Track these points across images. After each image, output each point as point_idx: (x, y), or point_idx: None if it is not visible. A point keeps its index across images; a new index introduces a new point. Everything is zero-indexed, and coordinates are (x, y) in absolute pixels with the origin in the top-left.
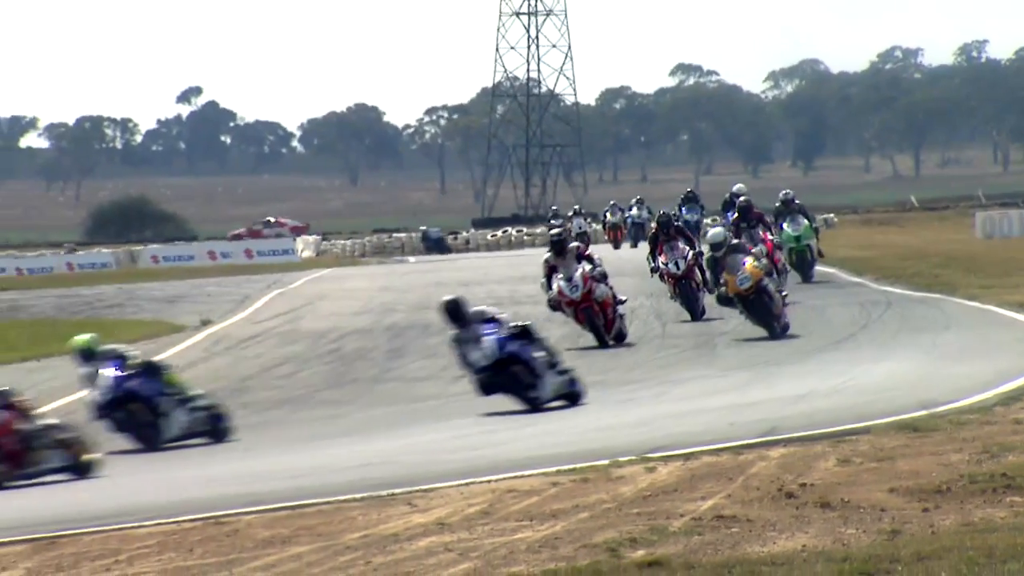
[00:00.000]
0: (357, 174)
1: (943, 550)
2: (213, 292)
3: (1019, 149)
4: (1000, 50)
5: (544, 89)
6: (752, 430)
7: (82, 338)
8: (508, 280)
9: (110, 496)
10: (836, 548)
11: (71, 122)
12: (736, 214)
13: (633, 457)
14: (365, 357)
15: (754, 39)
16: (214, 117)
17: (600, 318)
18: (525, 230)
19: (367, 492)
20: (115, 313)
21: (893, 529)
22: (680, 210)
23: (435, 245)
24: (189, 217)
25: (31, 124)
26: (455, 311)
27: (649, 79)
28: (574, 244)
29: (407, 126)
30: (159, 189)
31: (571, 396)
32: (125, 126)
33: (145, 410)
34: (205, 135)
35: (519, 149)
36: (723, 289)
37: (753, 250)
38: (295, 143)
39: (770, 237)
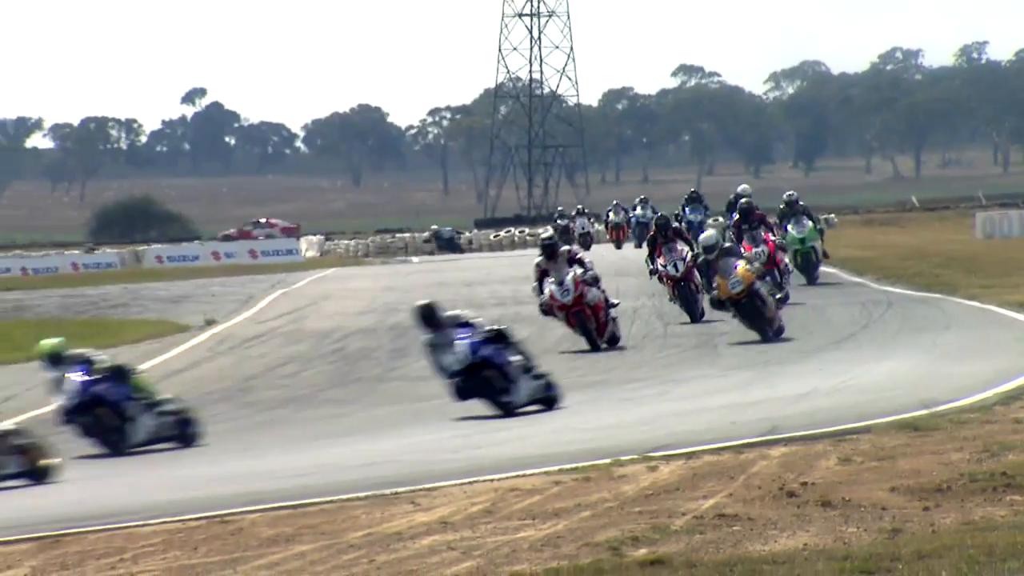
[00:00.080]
0: (360, 174)
1: (944, 548)
2: (217, 292)
3: (1019, 150)
4: (1000, 51)
5: (547, 90)
6: (754, 429)
7: (49, 343)
8: (511, 280)
9: (115, 495)
10: (837, 547)
11: (76, 123)
12: (738, 215)
13: (635, 456)
14: (368, 357)
15: (755, 40)
16: (218, 118)
17: (592, 322)
18: (528, 230)
19: (370, 491)
20: (120, 313)
21: (894, 528)
22: (684, 210)
23: (447, 244)
24: (193, 217)
25: (36, 125)
26: (429, 315)
27: (651, 80)
28: (565, 248)
29: (410, 127)
30: (163, 190)
31: (547, 400)
32: (130, 127)
33: (111, 415)
34: (209, 136)
35: (522, 150)
36: (715, 292)
37: (747, 253)
38: (299, 144)
39: (772, 238)
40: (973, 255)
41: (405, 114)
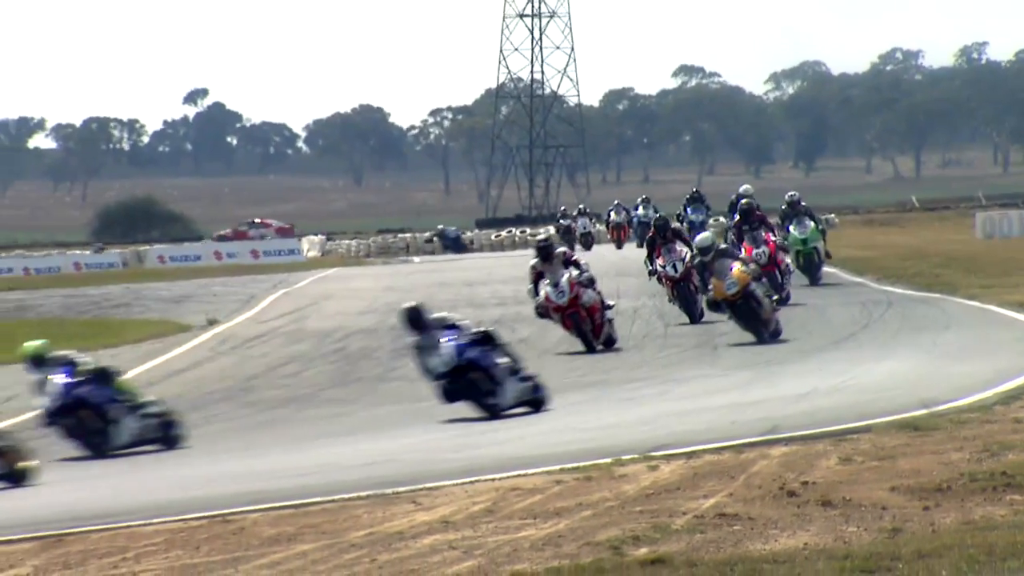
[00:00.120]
0: (362, 175)
1: (944, 548)
2: (219, 292)
3: (1019, 150)
4: (1000, 52)
5: (547, 90)
6: (754, 429)
7: (32, 345)
8: (512, 280)
9: (117, 494)
10: (837, 546)
11: (78, 123)
12: (738, 216)
13: (636, 455)
14: (370, 356)
15: (756, 41)
16: (220, 118)
17: (587, 323)
18: (529, 230)
19: (372, 490)
20: (122, 313)
21: (894, 527)
22: (686, 210)
23: (452, 244)
24: (196, 218)
25: (39, 125)
26: (415, 318)
27: (652, 80)
28: (561, 250)
29: (412, 127)
30: (166, 190)
31: (534, 403)
32: (132, 127)
33: (94, 417)
34: (211, 136)
35: (523, 150)
36: (711, 293)
37: (743, 255)
38: (300, 144)
39: (773, 238)
40: (973, 255)
41: (406, 114)
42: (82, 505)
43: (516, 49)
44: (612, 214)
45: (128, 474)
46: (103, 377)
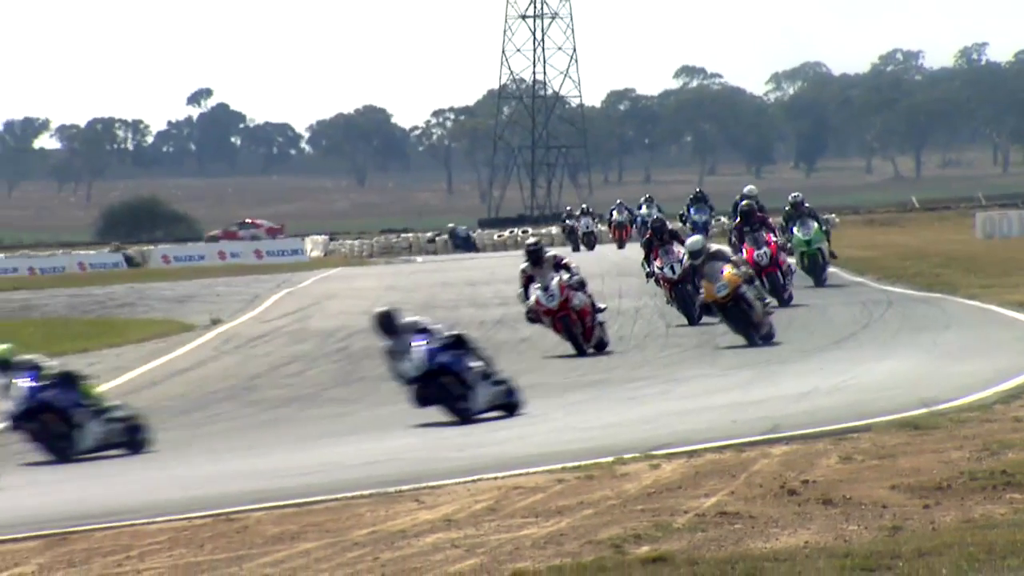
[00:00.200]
0: (365, 175)
1: (944, 546)
2: (223, 292)
3: (1019, 151)
4: (1000, 53)
5: (549, 91)
6: (755, 428)
7: None
8: (515, 280)
9: (121, 493)
10: (838, 544)
11: (83, 124)
12: (739, 218)
13: (637, 454)
14: (372, 356)
15: (757, 42)
16: (224, 119)
17: (578, 326)
18: (531, 230)
19: (375, 489)
20: (126, 312)
21: (894, 525)
22: (689, 211)
23: (463, 243)
24: (199, 218)
25: (43, 126)
26: (386, 323)
27: (653, 81)
28: (551, 253)
29: (414, 128)
30: (170, 190)
31: (508, 407)
32: (136, 128)
33: (59, 421)
34: (215, 136)
35: (525, 150)
36: (702, 296)
37: (733, 258)
38: (304, 144)
39: (774, 239)
40: (973, 255)
41: (409, 115)
42: (86, 504)
43: (518, 50)
44: (614, 213)
45: (131, 473)
46: (68, 381)
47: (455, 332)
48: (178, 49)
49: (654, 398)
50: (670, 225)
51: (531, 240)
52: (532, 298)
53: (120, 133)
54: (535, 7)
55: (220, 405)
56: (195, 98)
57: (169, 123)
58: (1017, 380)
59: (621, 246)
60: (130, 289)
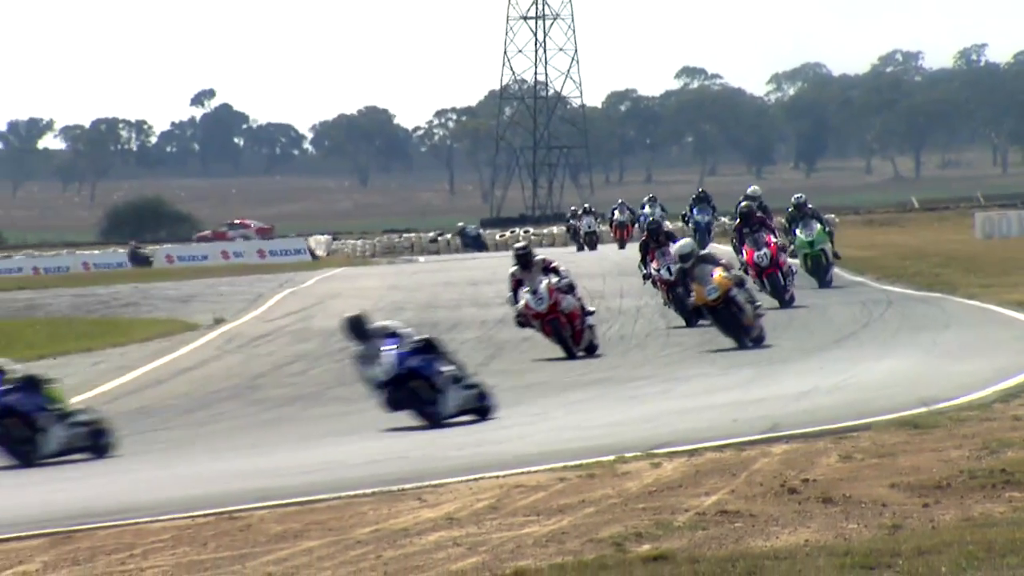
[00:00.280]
0: (367, 175)
1: (943, 545)
2: (226, 291)
3: (1018, 151)
4: (999, 54)
5: (551, 92)
6: (755, 427)
7: None
8: None
9: (125, 491)
10: (838, 542)
11: (87, 124)
12: (739, 219)
13: (638, 453)
14: None
15: (757, 42)
16: (227, 119)
17: (567, 329)
18: (532, 230)
19: (377, 487)
20: (130, 312)
21: (894, 524)
22: (691, 211)
23: (473, 243)
24: (203, 218)
25: (48, 126)
26: (357, 327)
27: (654, 82)
28: (540, 257)
29: (416, 128)
30: (173, 190)
31: (479, 411)
32: (140, 128)
33: (22, 425)
34: (218, 137)
35: (527, 151)
36: (692, 299)
37: (723, 261)
38: (307, 145)
39: (774, 240)
40: (972, 255)
41: (411, 116)
42: (90, 502)
43: (520, 51)
44: (616, 213)
45: (135, 471)
46: (32, 385)
47: (425, 336)
48: (182, 50)
49: (655, 397)
50: (667, 226)
51: (520, 244)
52: (521, 302)
53: (124, 133)
54: (536, 8)
55: (223, 404)
56: (199, 99)
57: (173, 124)
58: (1016, 379)
59: (622, 246)
60: (134, 289)
